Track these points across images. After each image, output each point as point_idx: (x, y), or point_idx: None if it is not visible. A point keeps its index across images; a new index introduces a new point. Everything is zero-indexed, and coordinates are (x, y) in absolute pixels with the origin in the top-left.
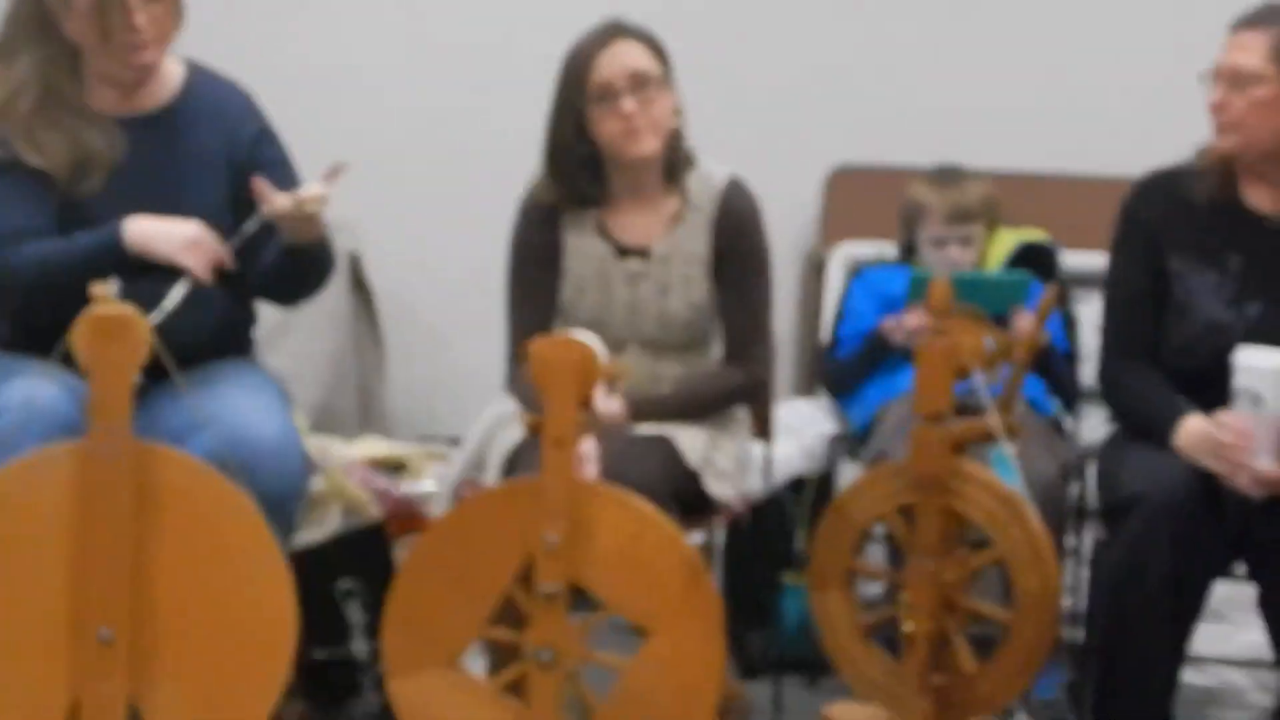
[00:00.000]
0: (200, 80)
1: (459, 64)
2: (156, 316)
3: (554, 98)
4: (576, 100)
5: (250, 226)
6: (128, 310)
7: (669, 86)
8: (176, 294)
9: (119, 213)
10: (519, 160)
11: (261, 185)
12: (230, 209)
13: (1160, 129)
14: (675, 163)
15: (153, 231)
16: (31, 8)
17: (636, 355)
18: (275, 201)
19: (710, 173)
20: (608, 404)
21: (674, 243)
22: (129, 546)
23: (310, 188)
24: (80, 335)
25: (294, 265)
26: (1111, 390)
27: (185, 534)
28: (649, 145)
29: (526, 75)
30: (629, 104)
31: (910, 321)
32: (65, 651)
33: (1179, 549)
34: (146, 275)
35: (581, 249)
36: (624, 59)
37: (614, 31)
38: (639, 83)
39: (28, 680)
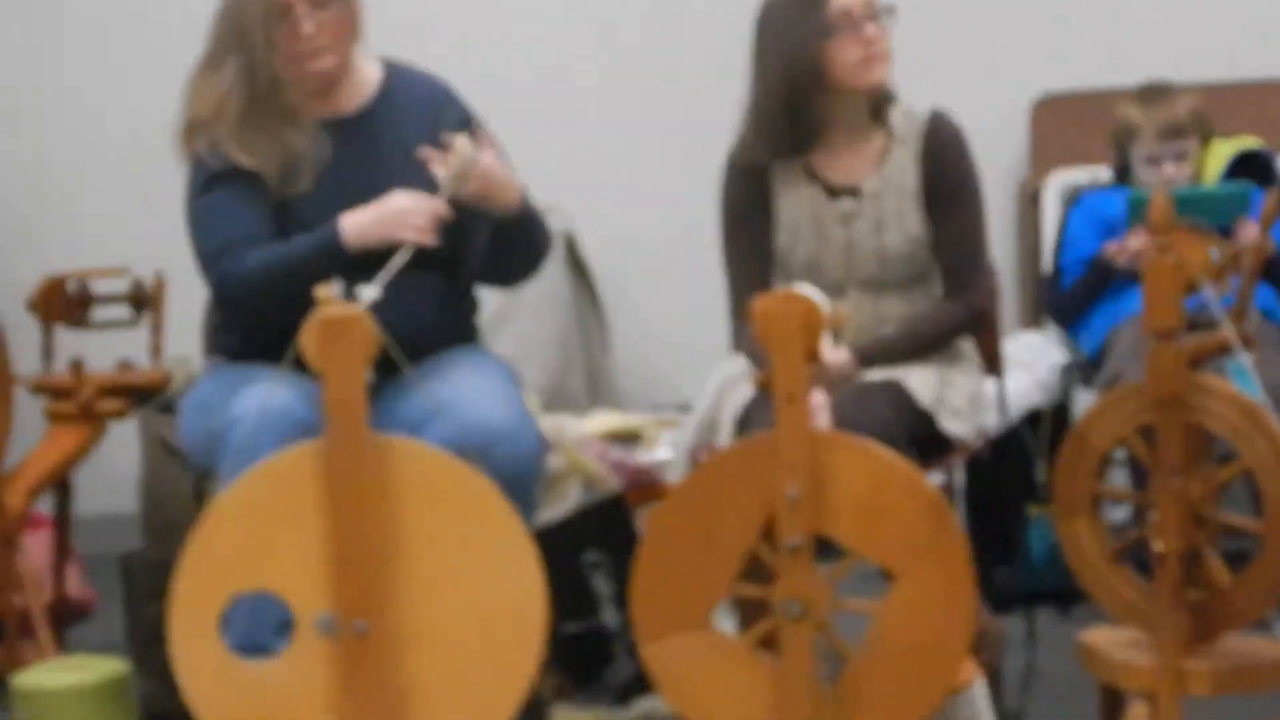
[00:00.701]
0: (398, 77)
1: (650, 27)
2: (377, 287)
3: (781, 38)
4: (815, 34)
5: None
6: (353, 309)
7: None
8: (399, 261)
9: (329, 212)
10: (718, 118)
11: (431, 151)
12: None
13: None
14: (880, 99)
15: (366, 221)
16: (231, 19)
17: (857, 297)
18: (438, 168)
19: (913, 107)
20: (835, 354)
21: (884, 178)
22: (377, 540)
23: (456, 146)
24: (309, 338)
25: (506, 243)
26: None
27: (430, 523)
28: (885, 72)
29: (718, 33)
30: (872, 29)
31: (1133, 244)
32: (324, 647)
33: None
34: (368, 270)
35: (792, 194)
36: None
37: None
38: (875, 10)
39: (290, 678)
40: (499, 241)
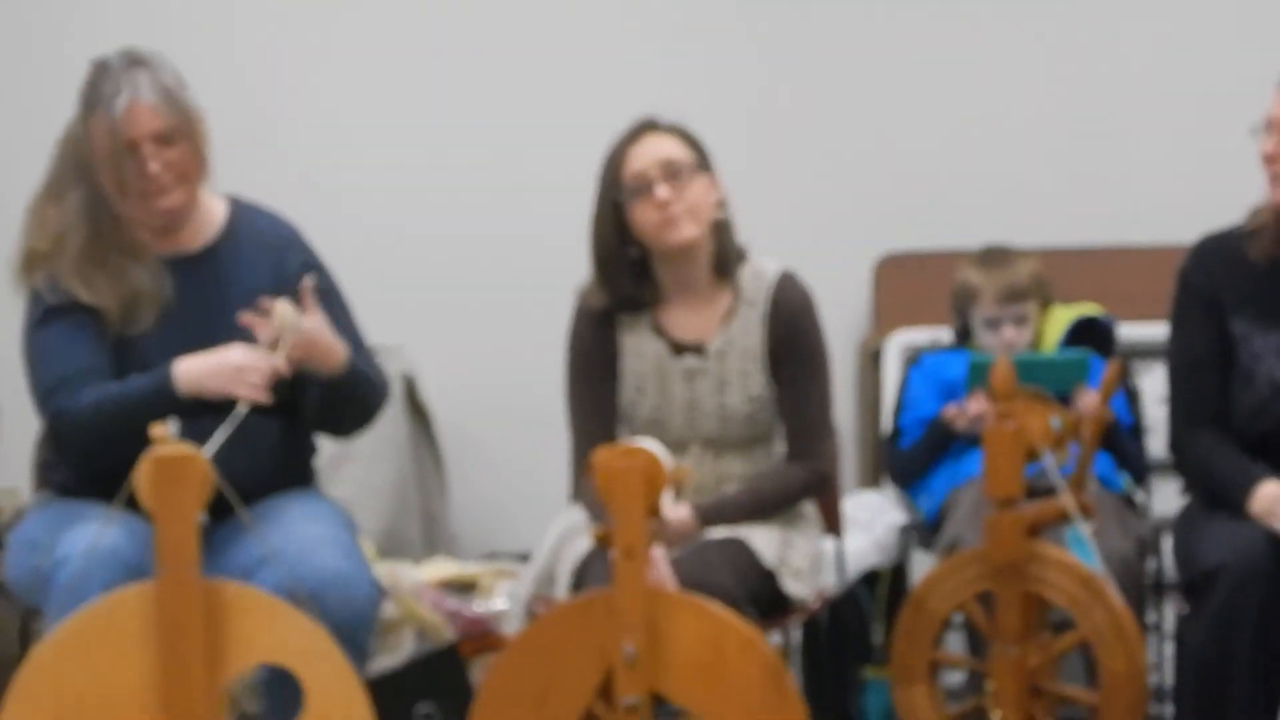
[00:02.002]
0: (244, 215)
1: (496, 176)
2: (211, 448)
3: (595, 201)
4: (615, 199)
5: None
6: (188, 450)
7: (706, 174)
8: (235, 418)
9: (171, 351)
10: (563, 268)
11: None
12: None
13: (1208, 193)
14: (726, 257)
15: (200, 371)
16: (73, 151)
17: (698, 455)
18: (260, 331)
19: (763, 267)
20: (676, 511)
21: (729, 338)
22: (205, 686)
23: (277, 311)
24: (143, 478)
25: (334, 400)
26: (1183, 459)
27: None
28: (688, 232)
29: (565, 184)
30: (663, 191)
31: (973, 408)
32: None
33: (1266, 619)
34: (204, 412)
35: (638, 348)
36: (654, 150)
37: (645, 127)
38: (671, 171)
39: None
40: (327, 398)
